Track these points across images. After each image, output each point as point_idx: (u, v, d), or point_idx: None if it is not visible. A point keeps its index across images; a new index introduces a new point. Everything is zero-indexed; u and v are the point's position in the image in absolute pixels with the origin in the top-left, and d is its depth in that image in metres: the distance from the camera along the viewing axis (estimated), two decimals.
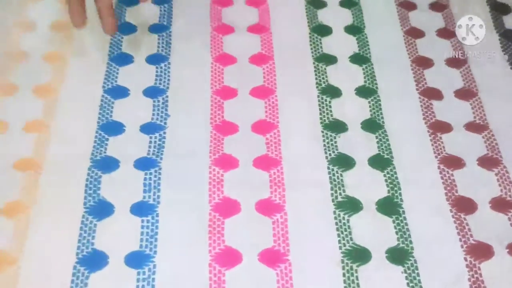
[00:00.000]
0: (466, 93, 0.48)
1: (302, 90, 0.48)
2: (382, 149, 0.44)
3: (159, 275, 0.37)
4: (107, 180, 0.41)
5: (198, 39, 0.51)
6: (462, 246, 0.39)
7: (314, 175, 0.42)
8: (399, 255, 0.39)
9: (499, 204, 0.41)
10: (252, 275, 0.37)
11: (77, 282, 0.36)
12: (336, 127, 0.45)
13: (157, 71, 0.48)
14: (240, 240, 0.39)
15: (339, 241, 0.39)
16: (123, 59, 0.49)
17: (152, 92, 0.47)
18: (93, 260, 0.37)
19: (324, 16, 0.54)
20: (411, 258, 0.38)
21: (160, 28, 0.52)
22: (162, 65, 0.49)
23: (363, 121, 0.46)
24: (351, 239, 0.39)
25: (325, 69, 0.49)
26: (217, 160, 0.43)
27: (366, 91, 0.48)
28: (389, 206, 0.41)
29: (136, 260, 0.37)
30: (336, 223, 0.40)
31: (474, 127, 0.46)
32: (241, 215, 0.40)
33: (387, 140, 0.45)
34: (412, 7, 0.55)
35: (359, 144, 0.44)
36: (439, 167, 0.43)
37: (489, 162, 0.44)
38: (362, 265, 0.38)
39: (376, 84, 0.48)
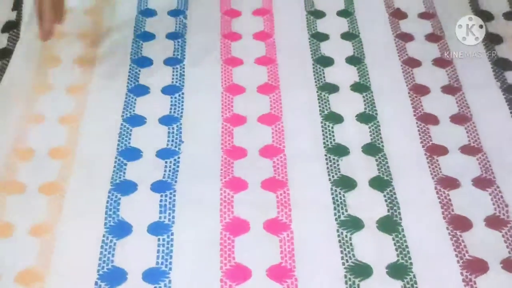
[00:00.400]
0: (461, 118, 0.51)
1: (306, 117, 0.51)
2: (382, 171, 0.47)
3: None
4: (126, 202, 0.44)
5: (209, 71, 0.54)
6: (458, 262, 0.41)
7: (318, 196, 0.45)
8: (398, 270, 0.41)
9: (493, 222, 0.43)
10: None
11: None
12: (338, 151, 0.48)
13: (171, 101, 0.52)
14: (249, 257, 0.41)
15: (342, 258, 0.41)
16: (140, 90, 0.53)
17: (167, 120, 0.50)
18: (113, 276, 0.40)
19: (327, 48, 0.57)
20: (410, 273, 0.41)
21: (174, 61, 0.56)
22: (176, 95, 0.53)
23: (364, 145, 0.48)
24: (353, 255, 0.42)
25: (327, 97, 0.52)
26: (228, 183, 0.46)
27: (367, 117, 0.51)
28: (389, 225, 0.43)
29: (153, 276, 0.40)
30: (339, 241, 0.42)
31: (469, 150, 0.48)
32: (250, 234, 0.42)
33: (387, 162, 0.47)
34: (409, 38, 0.58)
35: (360, 167, 0.47)
36: (436, 188, 0.46)
37: (483, 182, 0.46)
38: (364, 280, 0.40)
39: (375, 110, 0.51)
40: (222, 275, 0.40)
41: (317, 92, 0.53)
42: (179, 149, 0.48)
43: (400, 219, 0.44)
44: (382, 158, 0.48)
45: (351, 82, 0.54)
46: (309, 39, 0.58)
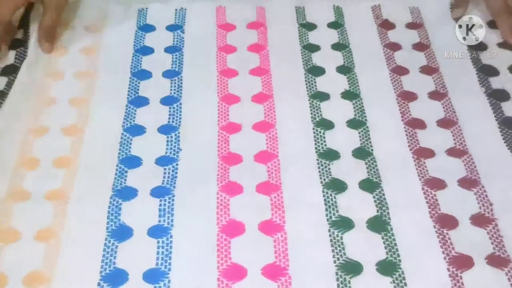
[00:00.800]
0: (447, 123, 0.53)
1: (299, 124, 0.53)
2: (371, 173, 0.49)
3: None
4: (127, 207, 0.46)
5: (205, 84, 0.57)
6: (445, 258, 0.43)
7: (310, 198, 0.47)
8: (388, 267, 0.42)
9: (478, 220, 0.45)
10: None
11: None
12: (329, 155, 0.50)
13: (170, 111, 0.54)
14: (245, 257, 0.43)
15: (333, 256, 0.43)
16: (140, 101, 0.56)
17: (165, 129, 0.53)
18: (115, 277, 0.42)
19: (318, 58, 0.59)
20: (399, 270, 0.42)
21: (172, 74, 0.58)
22: (175, 105, 0.55)
23: (354, 150, 0.51)
24: (344, 253, 0.43)
25: (319, 104, 0.55)
26: (224, 187, 0.48)
27: (356, 123, 0.53)
28: (378, 224, 0.45)
29: (153, 276, 0.42)
30: (331, 240, 0.44)
31: (455, 152, 0.50)
32: (245, 235, 0.44)
33: (376, 165, 0.49)
34: (397, 47, 0.61)
35: (350, 170, 0.49)
36: (423, 188, 0.48)
37: (468, 183, 0.48)
38: (354, 277, 0.42)
39: (365, 116, 0.54)
40: (219, 275, 0.42)
41: (309, 100, 0.55)
42: (177, 156, 0.50)
43: (389, 218, 0.46)
44: (371, 161, 0.50)
45: (342, 90, 0.56)
46: (301, 50, 0.60)
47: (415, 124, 0.53)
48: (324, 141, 0.51)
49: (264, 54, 0.60)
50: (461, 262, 0.43)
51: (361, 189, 0.47)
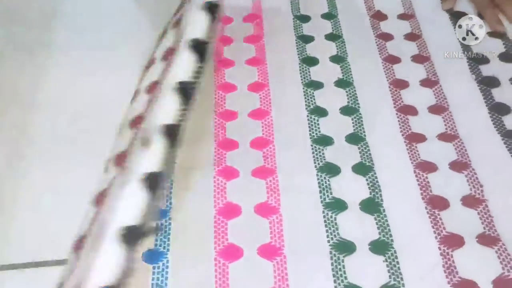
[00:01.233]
0: (438, 109, 0.54)
1: (293, 111, 0.54)
2: (364, 158, 0.50)
3: (172, 268, 0.42)
4: None
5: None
6: (436, 238, 0.44)
7: (305, 181, 0.48)
8: (380, 246, 0.44)
9: (469, 201, 0.47)
10: (252, 267, 0.43)
11: None
12: (323, 140, 0.51)
13: None
14: (241, 238, 0.44)
15: (328, 236, 0.44)
16: None
17: None
18: None
19: (312, 49, 0.60)
20: (391, 249, 0.44)
21: None
22: None
23: (347, 135, 0.52)
24: (338, 234, 0.45)
25: (313, 93, 0.56)
26: (221, 171, 0.49)
27: (350, 110, 0.54)
28: (371, 206, 0.46)
29: (152, 256, 0.43)
30: (325, 221, 0.45)
31: (446, 137, 0.52)
32: (242, 217, 0.46)
33: (369, 150, 0.51)
34: (389, 37, 0.62)
35: (343, 155, 0.50)
36: (415, 171, 0.49)
37: (459, 165, 0.49)
38: (348, 256, 0.43)
39: (358, 103, 0.55)
40: (216, 254, 0.43)
41: (303, 89, 0.56)
42: None
43: (382, 200, 0.47)
44: (364, 146, 0.51)
45: (335, 79, 0.57)
46: (295, 41, 0.61)
47: (407, 110, 0.54)
48: (318, 128, 0.53)
49: (259, 45, 0.61)
50: (452, 241, 0.44)
51: (354, 173, 0.49)
